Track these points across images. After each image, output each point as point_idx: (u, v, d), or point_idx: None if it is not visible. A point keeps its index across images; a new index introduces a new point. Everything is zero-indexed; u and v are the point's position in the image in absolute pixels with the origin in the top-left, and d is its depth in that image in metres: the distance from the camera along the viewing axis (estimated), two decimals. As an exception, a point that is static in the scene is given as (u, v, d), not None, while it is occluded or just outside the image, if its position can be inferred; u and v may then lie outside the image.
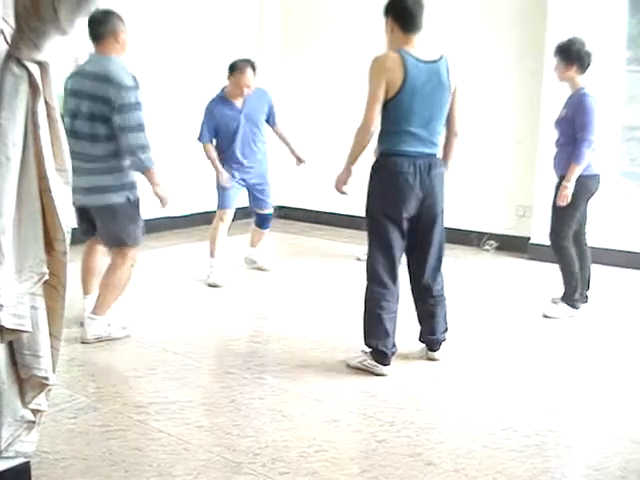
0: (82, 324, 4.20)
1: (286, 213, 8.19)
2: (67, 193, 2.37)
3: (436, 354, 3.97)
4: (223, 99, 5.50)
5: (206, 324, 4.62)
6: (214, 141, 5.52)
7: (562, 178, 4.64)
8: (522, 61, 6.43)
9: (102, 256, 4.36)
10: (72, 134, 3.67)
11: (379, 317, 3.75)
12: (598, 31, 6.01)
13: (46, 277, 2.32)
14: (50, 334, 2.42)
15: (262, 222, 5.92)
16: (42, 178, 2.28)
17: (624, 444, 3.07)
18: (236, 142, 5.48)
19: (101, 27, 3.92)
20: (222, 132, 5.48)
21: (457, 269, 5.83)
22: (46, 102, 2.27)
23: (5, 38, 2.18)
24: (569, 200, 4.59)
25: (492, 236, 6.67)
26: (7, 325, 2.24)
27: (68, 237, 2.38)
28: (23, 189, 2.25)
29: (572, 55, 4.58)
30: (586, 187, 4.65)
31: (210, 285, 5.41)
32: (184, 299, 5.17)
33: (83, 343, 4.10)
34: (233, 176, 5.53)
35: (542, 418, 3.33)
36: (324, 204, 7.67)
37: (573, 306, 4.81)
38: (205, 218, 7.26)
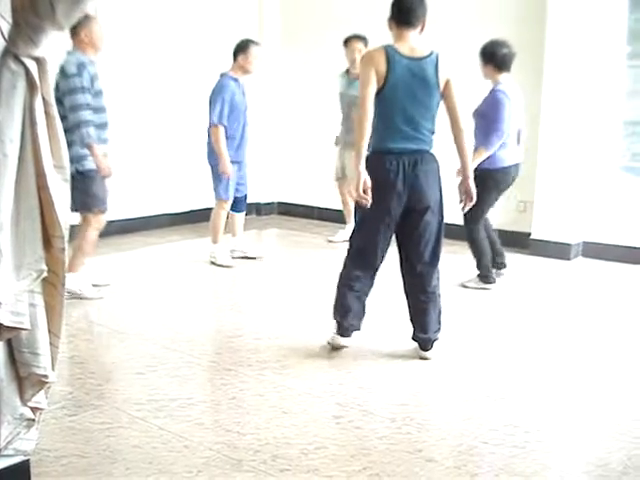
0: None
1: (287, 210, 8.19)
2: (65, 190, 2.36)
3: (427, 353, 3.90)
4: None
5: (206, 321, 4.62)
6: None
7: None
8: (522, 58, 6.39)
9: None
10: None
11: (344, 294, 3.89)
12: (599, 26, 6.00)
13: (45, 274, 2.31)
14: (49, 331, 2.41)
15: (235, 205, 6.05)
16: (40, 175, 2.27)
17: (626, 440, 3.06)
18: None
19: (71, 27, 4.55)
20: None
21: (457, 265, 5.81)
22: (43, 98, 2.26)
23: (2, 34, 2.17)
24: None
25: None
26: (5, 323, 2.23)
27: (66, 234, 2.37)
28: (21, 186, 2.24)
29: (486, 56, 5.12)
30: (495, 181, 5.07)
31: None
32: (184, 296, 5.16)
33: None
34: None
35: (544, 414, 3.32)
36: (325, 200, 7.66)
37: (488, 281, 5.32)
38: (205, 215, 7.26)
